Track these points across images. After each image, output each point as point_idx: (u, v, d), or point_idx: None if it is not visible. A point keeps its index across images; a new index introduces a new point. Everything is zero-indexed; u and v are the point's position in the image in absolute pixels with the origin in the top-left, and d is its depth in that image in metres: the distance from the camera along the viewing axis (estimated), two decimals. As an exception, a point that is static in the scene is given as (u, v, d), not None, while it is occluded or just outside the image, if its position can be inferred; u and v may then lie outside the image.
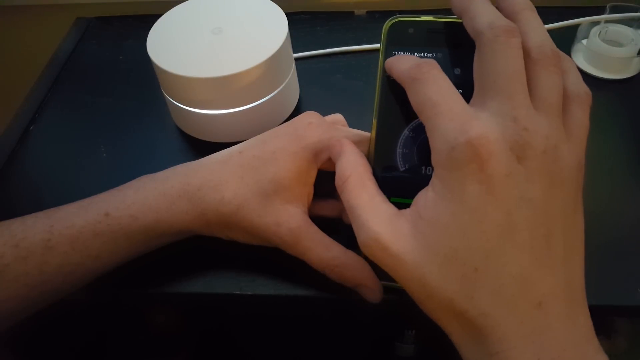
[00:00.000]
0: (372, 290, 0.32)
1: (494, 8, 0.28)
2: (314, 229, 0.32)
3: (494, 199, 0.23)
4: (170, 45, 0.43)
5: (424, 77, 0.26)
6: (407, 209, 0.26)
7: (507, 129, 0.24)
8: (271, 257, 0.34)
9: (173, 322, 0.60)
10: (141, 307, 0.52)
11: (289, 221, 0.32)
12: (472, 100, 0.26)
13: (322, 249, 0.32)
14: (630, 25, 0.51)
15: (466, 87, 0.34)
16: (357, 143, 0.34)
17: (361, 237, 0.27)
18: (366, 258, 0.32)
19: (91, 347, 0.55)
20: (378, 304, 0.32)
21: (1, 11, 0.67)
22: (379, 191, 0.28)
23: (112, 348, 0.57)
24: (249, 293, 0.35)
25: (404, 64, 0.28)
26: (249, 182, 0.33)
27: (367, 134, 0.36)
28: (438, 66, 0.27)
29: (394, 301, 0.34)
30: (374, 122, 0.35)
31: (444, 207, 0.24)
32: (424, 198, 0.26)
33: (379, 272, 0.32)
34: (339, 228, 0.35)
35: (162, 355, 0.61)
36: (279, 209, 0.32)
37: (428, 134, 0.26)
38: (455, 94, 0.26)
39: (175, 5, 0.47)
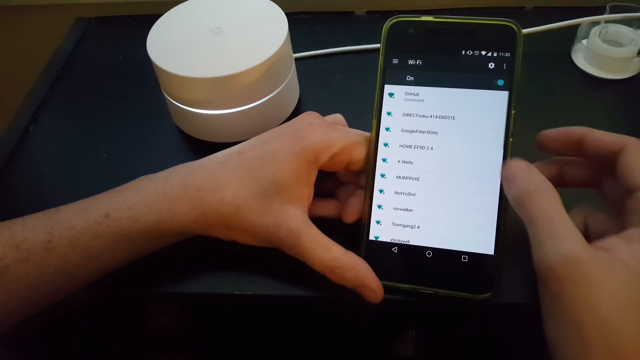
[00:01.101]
0: (372, 291, 0.32)
1: None
2: (314, 230, 0.32)
3: None
4: (170, 45, 0.43)
5: None
6: (595, 251, 0.26)
7: None
8: (271, 257, 0.34)
9: (173, 322, 0.60)
10: (141, 307, 0.52)
11: (289, 222, 0.32)
12: None
13: (322, 250, 0.32)
14: (630, 25, 0.50)
15: (465, 84, 0.34)
16: (357, 143, 0.35)
17: (560, 251, 0.25)
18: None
19: (91, 347, 0.55)
20: (378, 304, 0.32)
21: (1, 11, 0.67)
22: None
23: (112, 348, 0.57)
24: (249, 293, 0.35)
25: None
26: (249, 182, 0.33)
27: (367, 134, 0.36)
28: None
29: (394, 301, 0.34)
30: (374, 122, 0.35)
31: None
32: (630, 249, 0.25)
33: (380, 272, 0.33)
34: (339, 228, 0.35)
35: (162, 355, 0.61)
36: (279, 210, 0.32)
37: None
38: None
39: (175, 5, 0.47)
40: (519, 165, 0.30)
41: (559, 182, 0.33)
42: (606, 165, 0.30)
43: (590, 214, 0.32)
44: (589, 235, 0.32)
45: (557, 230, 0.26)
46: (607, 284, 0.24)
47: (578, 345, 0.24)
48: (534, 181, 0.29)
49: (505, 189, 0.31)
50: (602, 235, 0.30)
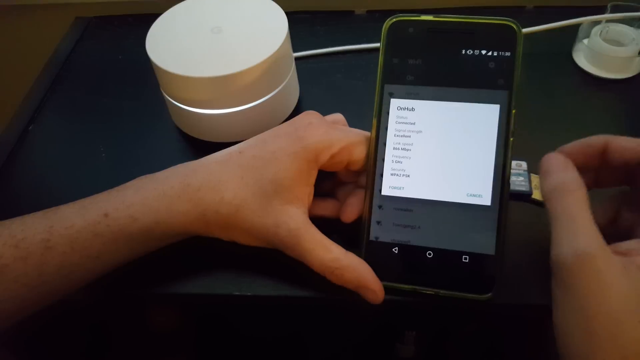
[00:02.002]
0: (373, 292, 0.32)
1: None
2: (313, 230, 0.32)
3: None
4: (170, 45, 0.43)
5: None
6: (610, 251, 0.26)
7: None
8: (271, 258, 0.34)
9: (173, 322, 0.60)
10: (141, 307, 0.51)
11: (289, 222, 0.32)
12: None
13: (322, 251, 0.32)
14: (631, 25, 0.50)
15: (465, 84, 0.34)
16: (357, 143, 0.34)
17: (576, 247, 0.26)
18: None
19: (91, 347, 0.55)
20: (379, 305, 0.32)
21: (1, 11, 0.67)
22: None
23: (112, 348, 0.56)
24: (249, 294, 0.35)
25: None
26: (248, 182, 0.33)
27: (367, 133, 0.35)
28: None
29: (395, 302, 0.34)
30: (374, 122, 0.35)
31: None
32: None
33: (380, 272, 0.32)
34: (339, 228, 0.35)
35: (162, 355, 0.61)
36: (279, 210, 0.32)
37: None
38: None
39: (174, 4, 0.47)
40: (554, 160, 0.30)
41: (594, 183, 0.33)
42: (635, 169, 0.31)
43: (624, 201, 0.32)
44: (619, 222, 0.32)
45: (575, 228, 0.27)
46: (618, 283, 0.25)
47: (585, 336, 0.25)
48: (564, 178, 0.29)
49: (540, 183, 0.31)
50: (631, 226, 0.31)
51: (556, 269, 0.27)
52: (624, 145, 0.30)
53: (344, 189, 0.37)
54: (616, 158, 0.31)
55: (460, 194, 0.33)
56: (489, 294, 0.32)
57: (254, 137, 0.35)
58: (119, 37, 0.61)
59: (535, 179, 0.39)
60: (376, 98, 0.35)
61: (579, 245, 0.26)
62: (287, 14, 0.44)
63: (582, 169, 0.32)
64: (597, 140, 0.31)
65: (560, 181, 0.29)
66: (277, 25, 0.43)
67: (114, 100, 0.52)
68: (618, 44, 0.50)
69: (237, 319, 0.62)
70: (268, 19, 0.44)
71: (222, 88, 0.41)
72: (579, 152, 0.32)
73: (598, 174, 0.33)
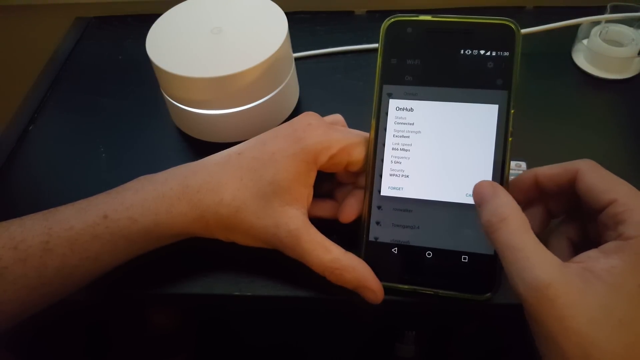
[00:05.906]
0: (372, 292, 0.32)
1: None
2: (313, 231, 0.32)
3: None
4: (170, 45, 0.43)
5: None
6: (571, 264, 0.26)
7: None
8: (271, 259, 0.34)
9: (173, 323, 0.60)
10: (141, 307, 0.51)
11: (288, 223, 0.32)
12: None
13: (321, 251, 0.32)
14: (630, 25, 0.50)
15: (464, 84, 0.34)
16: (356, 144, 0.34)
17: (526, 281, 0.25)
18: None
19: (91, 348, 0.55)
20: (379, 305, 0.32)
21: (1, 11, 0.67)
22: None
23: (112, 348, 0.57)
24: (249, 294, 0.35)
25: None
26: (248, 183, 0.33)
27: (366, 134, 0.35)
28: None
29: (394, 302, 0.34)
30: (373, 122, 0.35)
31: (634, 277, 0.25)
32: (605, 261, 0.26)
33: (380, 272, 0.32)
34: (339, 229, 0.35)
35: (162, 355, 0.61)
36: (278, 211, 0.32)
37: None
38: None
39: (174, 5, 0.47)
40: (483, 188, 0.29)
41: (549, 216, 0.33)
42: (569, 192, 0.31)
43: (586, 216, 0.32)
44: (588, 234, 0.32)
45: (521, 260, 0.26)
46: (580, 301, 0.24)
47: None
48: (495, 206, 0.28)
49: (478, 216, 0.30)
50: (595, 236, 0.30)
51: (520, 301, 0.26)
52: (550, 172, 0.31)
53: (343, 190, 0.37)
54: (548, 186, 0.31)
55: (459, 194, 0.33)
56: (488, 294, 0.32)
57: (254, 138, 0.35)
58: (119, 37, 0.61)
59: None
60: (375, 98, 0.35)
61: (529, 277, 0.25)
62: (287, 14, 0.44)
63: (530, 202, 0.32)
64: (526, 174, 0.32)
65: (493, 210, 0.28)
66: (277, 25, 0.43)
67: (114, 100, 0.52)
68: (617, 44, 0.50)
69: (237, 322, 0.62)
70: (268, 19, 0.44)
71: (222, 88, 0.41)
72: (515, 191, 0.32)
73: (547, 205, 0.33)
